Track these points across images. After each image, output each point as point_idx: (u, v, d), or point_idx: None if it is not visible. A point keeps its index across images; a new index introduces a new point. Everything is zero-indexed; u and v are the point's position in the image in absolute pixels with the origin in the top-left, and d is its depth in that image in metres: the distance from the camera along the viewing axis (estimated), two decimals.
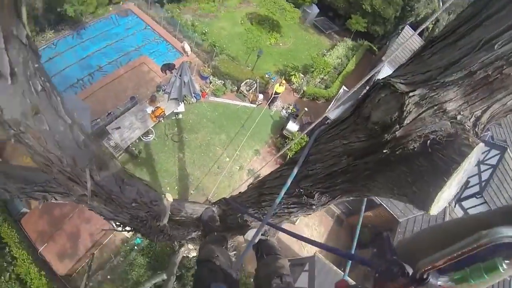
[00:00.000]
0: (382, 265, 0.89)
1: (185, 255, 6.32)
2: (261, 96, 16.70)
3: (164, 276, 7.81)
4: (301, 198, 2.01)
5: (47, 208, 11.69)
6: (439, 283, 0.78)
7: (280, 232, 2.75)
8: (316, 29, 25.16)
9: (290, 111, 17.19)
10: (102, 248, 11.82)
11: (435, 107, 1.18)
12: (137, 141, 13.70)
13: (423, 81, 1.23)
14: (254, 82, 16.69)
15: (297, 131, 15.71)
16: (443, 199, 1.17)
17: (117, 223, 2.87)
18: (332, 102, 17.35)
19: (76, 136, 1.75)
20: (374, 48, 25.24)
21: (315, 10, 25.22)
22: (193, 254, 5.94)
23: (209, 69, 16.73)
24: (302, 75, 18.96)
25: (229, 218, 3.21)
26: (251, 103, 16.79)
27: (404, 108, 1.20)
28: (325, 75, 19.91)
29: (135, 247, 11.65)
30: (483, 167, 14.81)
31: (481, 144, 1.12)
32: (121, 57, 17.36)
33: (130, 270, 11.16)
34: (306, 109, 16.69)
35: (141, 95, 15.20)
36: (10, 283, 9.94)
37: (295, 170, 1.89)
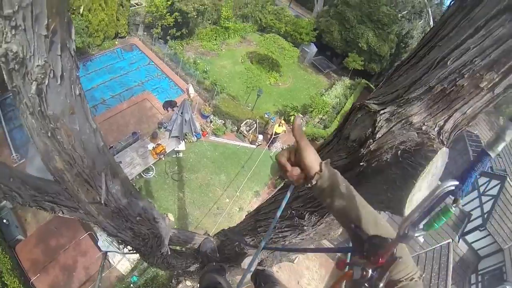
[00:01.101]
0: (365, 244, 1.08)
1: None
2: (260, 137, 16.73)
3: None
4: (293, 220, 2.14)
5: (43, 237, 11.58)
6: (416, 234, 0.99)
7: (277, 265, 2.85)
8: (315, 68, 25.70)
9: None
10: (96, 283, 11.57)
11: (403, 121, 1.36)
12: (138, 177, 13.57)
13: (392, 99, 1.43)
14: (254, 122, 16.78)
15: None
16: (414, 202, 1.29)
17: (119, 241, 2.83)
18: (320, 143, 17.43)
19: (97, 141, 1.91)
20: (372, 86, 25.72)
21: (313, 49, 25.87)
22: None
23: (209, 108, 16.82)
24: (301, 115, 19.08)
25: (227, 248, 3.32)
26: (250, 143, 16.78)
27: (376, 124, 1.39)
28: (323, 115, 20.09)
29: (131, 286, 11.39)
30: (484, 199, 14.87)
31: (444, 149, 1.27)
32: (125, 92, 17.52)
33: None
34: None
35: (143, 131, 15.21)
36: None
37: (289, 193, 1.91)
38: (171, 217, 3.06)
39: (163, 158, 14.51)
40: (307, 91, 22.01)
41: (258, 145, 16.76)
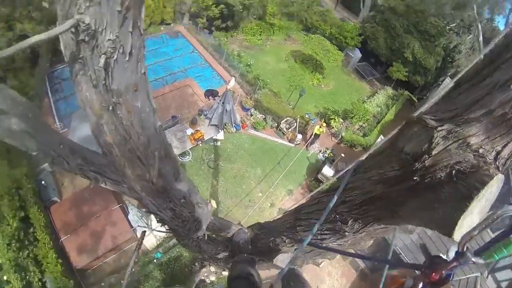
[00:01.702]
0: (426, 261, 1.22)
1: (203, 277, 6.23)
2: (299, 136, 16.41)
3: None
4: (336, 224, 2.19)
5: (77, 202, 12.15)
6: (473, 259, 1.07)
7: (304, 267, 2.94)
8: (358, 74, 25.10)
9: (327, 155, 16.73)
10: (121, 253, 11.89)
11: (460, 141, 1.34)
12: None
13: (450, 117, 1.42)
14: (294, 121, 16.45)
15: (332, 176, 15.16)
16: (465, 225, 1.24)
17: (157, 219, 2.94)
18: (369, 151, 16.83)
19: (155, 121, 1.99)
20: (414, 99, 24.84)
21: (357, 54, 25.27)
22: (212, 278, 5.81)
23: (251, 102, 16.62)
24: (342, 120, 18.60)
25: (260, 242, 3.40)
26: (289, 141, 16.46)
27: (433, 141, 1.37)
28: (364, 123, 19.52)
29: (154, 261, 11.59)
30: None
31: (501, 176, 1.23)
32: (168, 76, 17.71)
33: (144, 281, 11.12)
34: (343, 155, 16.20)
35: (183, 116, 15.27)
36: (27, 261, 10.22)
37: (336, 196, 2.05)
38: (213, 204, 3.04)
39: (200, 145, 14.49)
40: (349, 96, 21.47)
41: (297, 144, 16.41)
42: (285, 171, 14.65)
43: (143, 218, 12.25)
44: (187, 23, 21.53)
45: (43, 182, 12.74)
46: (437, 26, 22.54)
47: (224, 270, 4.68)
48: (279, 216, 3.46)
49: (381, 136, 17.64)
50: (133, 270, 11.34)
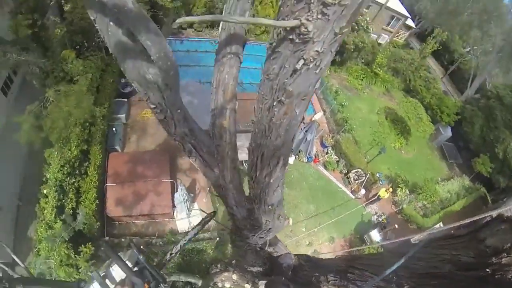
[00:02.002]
0: None
1: (219, 281, 6.31)
2: (363, 191, 16.48)
3: (199, 283, 7.70)
4: (391, 285, 2.18)
5: (134, 160, 12.98)
6: None
7: None
8: (441, 152, 24.18)
9: (381, 220, 16.57)
10: (151, 223, 12.50)
11: None
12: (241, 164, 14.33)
13: None
14: (364, 174, 16.54)
15: (378, 242, 15.03)
16: None
17: (229, 212, 3.00)
18: (423, 234, 16.36)
19: (296, 131, 2.03)
20: (489, 199, 23.25)
21: (448, 133, 24.30)
22: (227, 285, 5.79)
23: (331, 140, 17.03)
24: (408, 192, 18.23)
25: (302, 273, 3.36)
26: (351, 192, 16.64)
27: None
28: (428, 203, 18.88)
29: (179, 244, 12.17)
30: None
31: None
32: None
33: (160, 256, 11.41)
34: (396, 226, 15.97)
35: None
36: (70, 187, 11.25)
37: (403, 259, 2.08)
38: (291, 221, 3.17)
39: None
40: (424, 172, 20.88)
41: (357, 197, 16.52)
42: (335, 218, 14.78)
43: (187, 201, 12.71)
44: None
45: (114, 129, 13.95)
46: None
47: (247, 283, 4.60)
48: (329, 257, 3.54)
49: (441, 223, 17.02)
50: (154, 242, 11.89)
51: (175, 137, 2.62)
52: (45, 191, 10.83)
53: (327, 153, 16.89)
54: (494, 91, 23.22)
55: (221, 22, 2.44)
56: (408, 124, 21.40)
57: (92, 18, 1.94)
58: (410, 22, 31.14)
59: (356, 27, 20.96)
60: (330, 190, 16.26)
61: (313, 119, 17.85)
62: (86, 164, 12.05)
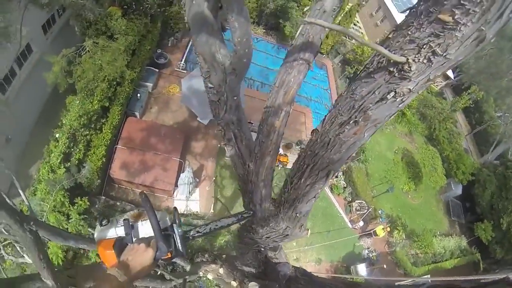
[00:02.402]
0: None
1: (202, 271, 6.00)
2: (361, 223, 16.44)
3: (187, 267, 7.33)
4: None
5: (150, 130, 13.09)
6: None
7: None
8: (446, 207, 23.81)
9: (371, 256, 16.47)
10: (150, 196, 12.29)
11: None
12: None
13: None
14: (366, 208, 16.47)
15: (362, 276, 14.95)
16: None
17: (249, 209, 3.04)
18: (408, 280, 16.22)
19: (351, 153, 2.09)
20: (481, 266, 22.90)
21: (458, 190, 23.92)
22: (210, 277, 5.61)
23: (344, 166, 16.94)
24: (404, 237, 18.11)
25: (296, 286, 3.35)
26: (350, 221, 16.58)
27: None
28: (421, 253, 18.74)
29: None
30: None
31: None
32: None
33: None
34: (385, 266, 15.87)
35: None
36: (82, 139, 11.36)
37: None
38: (309, 233, 3.10)
39: (279, 168, 15.15)
40: (424, 222, 20.61)
41: (354, 228, 16.47)
42: (328, 242, 14.77)
43: (190, 185, 12.73)
44: (336, 64, 22.42)
45: (138, 95, 14.04)
46: None
47: (233, 280, 4.49)
48: (325, 276, 3.63)
49: (429, 276, 16.90)
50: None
51: (220, 122, 2.66)
52: (57, 135, 10.96)
53: (336, 176, 16.85)
54: None
55: (301, 27, 2.51)
56: (422, 171, 21.19)
57: None
58: (449, 73, 30.88)
59: None
60: (330, 213, 16.23)
61: None
62: (103, 120, 12.15)
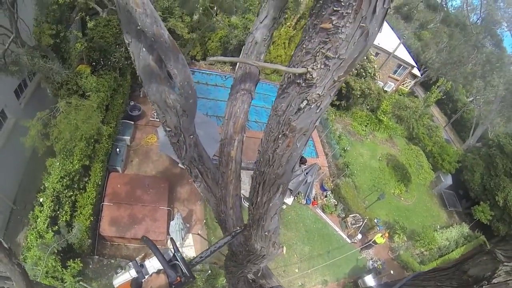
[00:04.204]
0: None
1: None
2: (360, 236, 16.45)
3: None
4: None
5: (134, 183, 13.00)
6: None
7: None
8: (441, 200, 24.20)
9: (376, 265, 16.46)
10: (144, 248, 12.27)
11: None
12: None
13: None
14: (361, 219, 16.56)
15: (372, 287, 14.97)
16: None
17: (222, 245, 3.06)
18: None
19: (296, 162, 2.09)
20: (488, 246, 22.95)
21: (448, 181, 24.45)
22: None
23: (331, 184, 17.25)
24: (406, 239, 18.19)
25: None
26: (348, 236, 16.60)
27: (497, 272, 1.52)
28: (426, 250, 18.83)
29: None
30: None
31: None
32: None
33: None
34: (392, 272, 15.90)
35: None
36: (67, 200, 11.11)
37: None
38: (284, 250, 3.17)
39: None
40: (422, 219, 20.88)
41: (354, 242, 16.47)
42: (330, 261, 14.74)
43: (182, 231, 12.71)
44: None
45: (117, 150, 14.08)
46: None
47: None
48: None
49: None
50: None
51: (184, 161, 2.82)
52: (41, 200, 10.82)
53: (326, 196, 17.01)
54: (496, 140, 23.49)
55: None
56: (409, 171, 21.56)
57: (126, 41, 2.20)
58: (416, 71, 32.04)
59: (363, 74, 21.62)
60: (326, 233, 16.25)
61: (318, 163, 18.23)
62: (86, 179, 12.07)
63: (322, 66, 1.54)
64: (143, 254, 2.47)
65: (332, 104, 22.20)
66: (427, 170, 21.73)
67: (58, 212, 10.85)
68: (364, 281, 15.10)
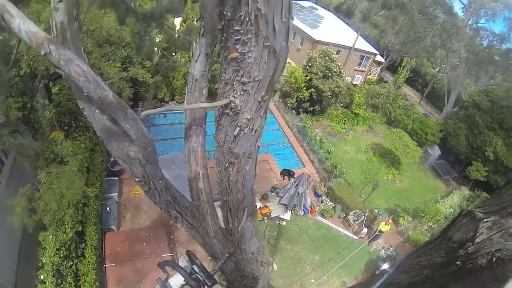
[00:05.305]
0: None
1: None
2: (365, 230, 16.46)
3: None
4: None
5: (132, 238, 12.86)
6: None
7: None
8: (435, 172, 24.56)
9: (389, 253, 16.47)
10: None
11: (503, 231, 1.44)
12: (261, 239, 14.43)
13: (497, 211, 1.54)
14: (362, 214, 16.64)
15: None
16: None
17: (219, 268, 3.15)
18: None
19: (253, 184, 2.36)
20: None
21: (436, 152, 24.94)
22: None
23: (324, 189, 17.34)
24: (411, 219, 18.29)
25: None
26: (354, 234, 16.62)
27: (478, 230, 1.51)
28: (434, 223, 18.88)
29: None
30: None
31: None
32: None
33: None
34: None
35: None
36: (68, 271, 10.80)
37: (386, 275, 2.29)
38: (275, 266, 3.24)
39: (265, 220, 15.20)
40: (422, 195, 21.03)
41: (361, 237, 16.47)
42: (342, 262, 14.63)
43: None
44: (277, 101, 23.50)
45: (107, 209, 13.90)
46: None
47: None
48: None
49: None
50: None
51: (160, 206, 2.94)
52: (42, 277, 10.50)
53: (322, 201, 17.10)
54: (470, 100, 24.18)
55: (186, 98, 2.87)
56: (397, 154, 21.85)
57: (81, 107, 2.38)
58: (379, 58, 32.88)
59: (329, 74, 22.10)
60: (331, 236, 16.25)
61: (306, 172, 18.37)
62: (83, 245, 11.84)
63: (242, 93, 1.66)
64: (166, 276, 2.78)
65: (306, 111, 22.61)
66: (413, 148, 22.03)
67: (61, 285, 10.63)
68: (382, 271, 15.08)
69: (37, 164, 12.61)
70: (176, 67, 19.58)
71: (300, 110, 22.65)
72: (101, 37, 15.37)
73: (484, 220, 1.54)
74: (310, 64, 22.25)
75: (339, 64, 23.10)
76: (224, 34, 1.55)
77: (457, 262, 1.58)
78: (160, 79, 18.49)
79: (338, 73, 22.45)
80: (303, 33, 27.96)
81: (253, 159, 2.14)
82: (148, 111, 1.90)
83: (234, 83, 1.66)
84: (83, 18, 14.02)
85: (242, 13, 1.42)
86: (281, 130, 21.12)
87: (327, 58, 22.19)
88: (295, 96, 22.21)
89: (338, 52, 26.54)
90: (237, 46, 1.52)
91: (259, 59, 1.55)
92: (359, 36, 27.89)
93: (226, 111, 1.79)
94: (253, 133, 1.89)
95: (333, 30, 27.83)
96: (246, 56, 1.53)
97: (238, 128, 1.83)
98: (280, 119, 21.72)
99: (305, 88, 21.87)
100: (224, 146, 2.00)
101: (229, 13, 1.46)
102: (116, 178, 15.95)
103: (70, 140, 13.53)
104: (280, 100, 23.71)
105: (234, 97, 1.70)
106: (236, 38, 1.49)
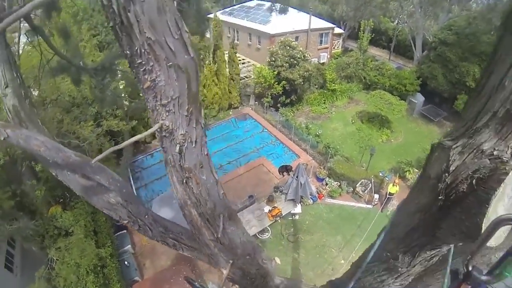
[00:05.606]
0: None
1: None
2: (376, 196, 16.52)
3: None
4: (389, 262, 2.30)
5: (158, 283, 12.84)
6: (483, 278, 1.08)
7: None
8: (425, 118, 24.71)
9: None
10: None
11: (474, 151, 1.45)
12: (254, 238, 14.44)
13: (463, 133, 1.53)
14: (369, 182, 16.73)
15: None
16: None
17: (229, 278, 3.18)
18: None
19: (218, 189, 2.39)
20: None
21: (420, 99, 25.10)
22: None
23: (324, 171, 17.41)
24: (417, 170, 18.35)
25: None
26: (367, 203, 16.68)
27: (450, 158, 1.50)
28: None
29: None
30: None
31: None
32: (241, 158, 19.08)
33: None
34: None
35: (259, 194, 16.23)
36: None
37: (383, 234, 2.30)
38: (277, 260, 3.28)
39: (279, 220, 15.24)
40: (420, 144, 21.09)
41: (375, 204, 16.53)
42: (365, 234, 14.60)
43: None
44: (254, 104, 23.67)
45: (126, 262, 13.94)
46: (493, 43, 21.42)
47: None
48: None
49: None
50: None
51: (156, 238, 2.98)
52: None
53: (326, 184, 17.16)
54: (436, 39, 24.42)
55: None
56: (383, 114, 22.02)
57: (54, 174, 2.46)
58: (338, 30, 33.16)
59: (295, 62, 22.25)
60: (346, 214, 16.32)
61: (302, 162, 18.41)
62: None
63: (167, 114, 1.77)
64: None
65: (284, 104, 22.74)
66: (397, 103, 22.15)
67: None
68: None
69: (44, 244, 12.67)
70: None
71: (278, 105, 22.76)
72: (65, 102, 15.46)
73: (453, 146, 1.54)
74: (273, 59, 22.41)
75: (301, 49, 23.26)
76: (133, 71, 1.64)
77: (439, 197, 1.58)
78: (135, 122, 18.45)
79: (302, 58, 22.61)
80: (257, 32, 28.26)
81: (206, 167, 2.21)
82: (97, 158, 1.95)
83: (157, 107, 1.75)
84: (39, 91, 14.15)
85: (136, 47, 1.51)
86: (266, 130, 21.25)
87: (288, 48, 22.35)
88: (269, 94, 22.35)
89: (296, 38, 26.75)
90: (146, 76, 1.62)
91: (168, 80, 1.63)
92: (312, 16, 28.15)
93: (163, 134, 1.88)
94: (194, 145, 1.96)
95: (285, 19, 27.95)
96: (157, 81, 1.63)
97: (178, 145, 1.91)
98: (261, 121, 21.85)
99: (276, 83, 22.00)
100: (175, 165, 2.07)
101: (128, 52, 1.56)
102: (125, 231, 15.95)
103: (69, 211, 13.57)
104: (256, 102, 23.82)
105: (163, 119, 1.79)
106: (142, 70, 1.59)
